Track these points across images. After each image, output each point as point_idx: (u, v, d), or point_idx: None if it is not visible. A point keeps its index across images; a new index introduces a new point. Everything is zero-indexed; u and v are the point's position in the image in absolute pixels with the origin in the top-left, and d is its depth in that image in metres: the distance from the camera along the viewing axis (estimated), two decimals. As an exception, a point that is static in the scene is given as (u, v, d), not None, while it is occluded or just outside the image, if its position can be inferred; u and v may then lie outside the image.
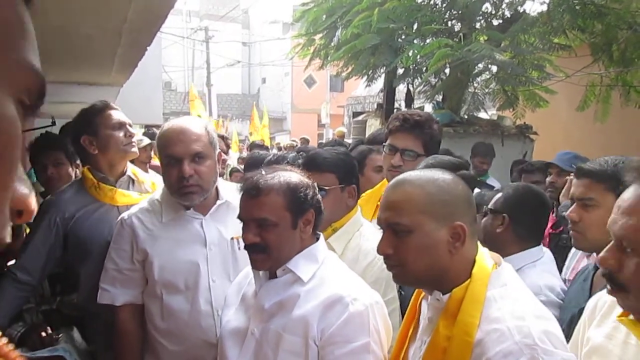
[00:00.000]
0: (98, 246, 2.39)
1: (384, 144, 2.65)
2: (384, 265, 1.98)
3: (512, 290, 1.40)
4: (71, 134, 2.57)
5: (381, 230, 1.45)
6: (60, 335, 2.48)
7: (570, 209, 2.02)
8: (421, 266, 1.38)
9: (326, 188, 2.10)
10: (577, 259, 2.55)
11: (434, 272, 1.38)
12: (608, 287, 1.31)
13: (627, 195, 1.28)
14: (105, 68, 2.96)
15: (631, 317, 1.31)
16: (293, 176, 1.72)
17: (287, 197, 1.66)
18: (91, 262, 2.39)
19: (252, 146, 9.71)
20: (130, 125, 2.60)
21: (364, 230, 2.19)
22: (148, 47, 2.31)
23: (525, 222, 2.25)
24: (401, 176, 1.49)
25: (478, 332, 1.30)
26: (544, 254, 2.29)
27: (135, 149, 2.58)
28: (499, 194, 2.37)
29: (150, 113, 8.40)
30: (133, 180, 2.60)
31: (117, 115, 2.55)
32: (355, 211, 2.24)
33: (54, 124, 5.00)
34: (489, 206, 2.32)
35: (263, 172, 1.72)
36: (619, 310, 1.39)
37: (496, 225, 2.26)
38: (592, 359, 1.50)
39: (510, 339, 1.25)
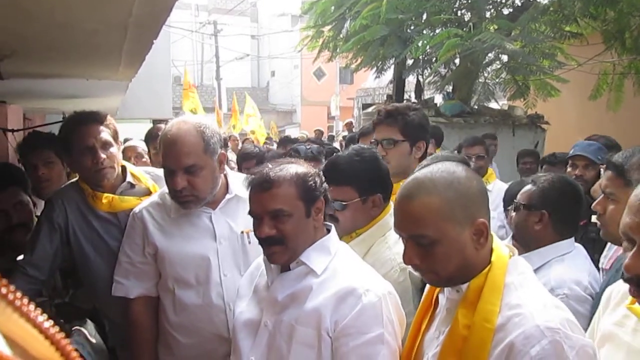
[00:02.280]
0: (101, 251, 2.40)
1: (371, 140, 2.74)
2: (401, 278, 1.97)
3: (531, 280, 1.41)
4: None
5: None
6: (73, 329, 2.50)
7: (597, 200, 1.99)
8: (452, 269, 1.38)
9: (345, 203, 2.05)
10: (614, 249, 2.51)
11: (464, 269, 1.38)
12: (632, 290, 1.28)
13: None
14: (113, 63, 2.96)
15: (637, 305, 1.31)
16: (300, 166, 1.73)
17: (299, 187, 1.66)
18: (94, 264, 2.41)
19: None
20: (105, 145, 2.33)
21: (389, 236, 2.08)
22: (154, 41, 2.31)
23: (565, 217, 2.20)
24: (413, 182, 1.43)
25: (499, 318, 1.31)
26: (575, 247, 2.24)
27: (108, 173, 2.34)
28: (528, 186, 2.30)
29: (159, 108, 8.42)
30: (133, 185, 2.47)
31: (86, 135, 2.30)
32: (384, 214, 2.13)
33: (64, 119, 5.03)
34: (522, 201, 2.26)
35: (270, 166, 1.72)
36: (630, 298, 1.39)
37: (533, 222, 2.22)
38: (605, 346, 1.50)
39: (532, 322, 1.26)
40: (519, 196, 2.33)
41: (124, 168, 2.48)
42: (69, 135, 2.35)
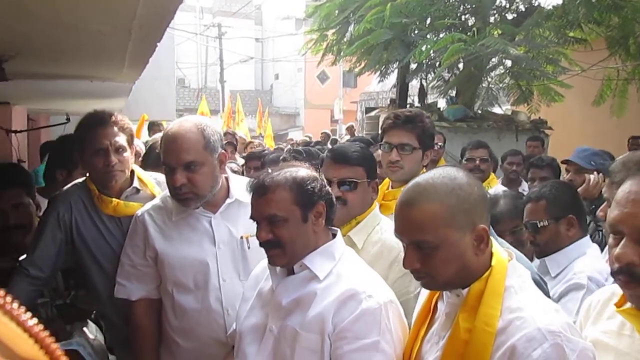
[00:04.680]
0: (104, 253, 2.39)
1: (379, 143, 2.71)
2: None
3: (529, 284, 1.42)
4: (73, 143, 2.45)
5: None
6: (74, 330, 2.51)
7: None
8: (451, 274, 1.38)
9: (357, 181, 2.11)
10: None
11: (462, 275, 1.39)
12: (623, 281, 1.29)
13: (635, 186, 1.28)
14: (117, 64, 2.97)
15: (627, 305, 1.32)
16: (300, 171, 1.73)
17: (294, 192, 1.67)
18: (97, 265, 2.40)
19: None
20: (119, 150, 2.32)
21: (383, 224, 2.17)
22: (158, 43, 2.32)
23: (582, 214, 2.32)
24: (414, 188, 1.43)
25: (500, 322, 1.31)
26: (592, 244, 2.38)
27: (118, 175, 2.34)
28: (531, 205, 2.39)
29: (163, 109, 8.45)
30: (139, 190, 2.45)
31: (101, 137, 2.30)
32: (375, 205, 2.24)
33: (68, 120, 5.05)
34: (541, 219, 2.34)
35: (270, 171, 1.73)
36: (611, 307, 1.41)
37: (565, 230, 2.32)
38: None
39: (533, 325, 1.27)
40: (529, 218, 2.40)
41: (132, 172, 2.47)
42: (85, 134, 2.35)
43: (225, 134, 8.87)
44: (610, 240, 1.32)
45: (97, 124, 2.33)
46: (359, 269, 1.74)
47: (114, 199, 2.40)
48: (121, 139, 2.35)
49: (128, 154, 2.39)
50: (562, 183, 2.49)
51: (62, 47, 2.45)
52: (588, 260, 2.24)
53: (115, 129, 2.34)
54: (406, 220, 1.40)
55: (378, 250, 2.08)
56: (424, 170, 2.50)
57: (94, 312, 2.65)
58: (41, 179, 3.48)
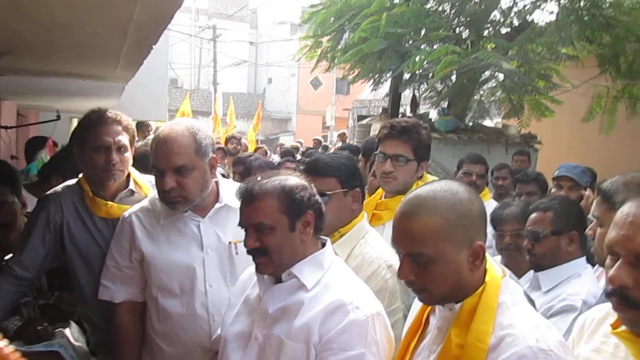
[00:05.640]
0: (93, 255, 2.36)
1: (375, 152, 2.66)
2: (388, 275, 2.00)
3: (522, 300, 1.43)
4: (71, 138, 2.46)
5: (386, 240, 1.44)
6: (56, 331, 2.48)
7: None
8: (446, 289, 1.39)
9: (328, 193, 2.08)
10: (600, 270, 2.59)
11: (457, 290, 1.39)
12: (616, 303, 1.29)
13: (634, 209, 1.27)
14: (111, 65, 2.95)
15: (622, 328, 1.32)
16: (289, 179, 1.72)
17: (282, 200, 1.66)
18: (86, 266, 2.37)
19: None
20: (121, 149, 2.32)
21: (369, 238, 2.16)
22: (154, 46, 2.31)
23: (584, 235, 2.30)
24: (415, 200, 1.42)
25: (492, 339, 1.32)
26: (587, 265, 2.37)
27: (117, 175, 2.34)
28: (537, 214, 2.39)
29: (155, 110, 8.42)
30: (133, 192, 2.44)
31: (105, 134, 2.29)
32: (361, 217, 2.21)
33: (58, 117, 5.01)
34: (544, 229, 2.34)
35: (259, 178, 1.72)
36: (606, 326, 1.40)
37: (565, 245, 2.33)
38: None
39: (524, 343, 1.27)
40: (533, 226, 2.39)
41: (128, 174, 2.46)
42: (88, 130, 2.33)
43: (231, 138, 8.88)
44: (608, 260, 1.32)
45: (101, 121, 2.32)
46: (347, 280, 1.74)
47: (107, 202, 2.37)
48: (124, 139, 2.34)
49: (129, 155, 2.38)
50: (570, 199, 2.50)
51: (56, 46, 2.44)
52: (584, 283, 2.24)
53: (120, 127, 2.34)
54: (404, 232, 1.40)
55: (357, 264, 2.07)
56: (418, 182, 2.50)
57: (77, 314, 2.62)
58: (32, 176, 3.45)
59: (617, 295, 1.27)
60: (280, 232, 1.66)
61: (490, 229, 3.41)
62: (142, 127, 7.55)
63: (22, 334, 2.38)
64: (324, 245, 1.78)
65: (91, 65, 3.09)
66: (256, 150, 8.59)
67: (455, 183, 1.47)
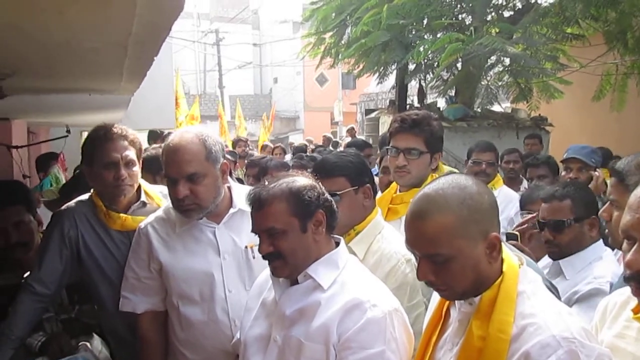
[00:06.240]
0: (112, 268, 2.38)
1: (386, 147, 2.65)
2: (408, 269, 1.99)
3: (541, 288, 1.42)
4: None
5: (404, 233, 1.43)
6: (80, 344, 2.51)
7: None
8: (467, 284, 1.38)
9: (338, 193, 2.07)
10: (619, 255, 2.58)
11: (478, 283, 1.38)
12: (635, 288, 1.27)
13: None
14: (114, 79, 2.97)
15: None
16: (297, 181, 1.72)
17: (291, 203, 1.66)
18: (105, 280, 2.39)
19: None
20: (129, 164, 2.34)
21: (385, 233, 2.15)
22: (155, 58, 2.32)
23: (598, 218, 2.30)
24: (424, 199, 1.40)
25: (513, 328, 1.31)
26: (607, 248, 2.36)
27: (127, 190, 2.35)
28: (555, 203, 2.36)
29: (162, 118, 8.47)
30: (145, 204, 2.45)
31: (112, 150, 2.31)
32: (376, 213, 2.20)
33: (68, 132, 5.05)
34: (566, 218, 2.32)
35: (266, 183, 1.72)
36: (628, 310, 1.39)
37: (588, 231, 2.32)
38: None
39: (548, 332, 1.26)
40: (552, 216, 2.35)
41: (139, 186, 2.47)
42: (95, 148, 2.35)
43: (238, 140, 8.88)
44: (625, 245, 1.30)
45: (108, 138, 2.34)
46: (363, 278, 1.73)
47: (121, 215, 2.39)
48: (131, 153, 2.36)
49: (137, 169, 2.40)
50: (582, 184, 2.48)
51: (58, 64, 2.46)
52: (607, 264, 2.23)
53: (126, 142, 2.36)
54: (418, 234, 1.38)
55: (376, 260, 2.07)
56: (433, 175, 2.48)
57: (99, 326, 2.64)
58: (46, 191, 3.48)
59: (635, 280, 1.25)
60: (292, 235, 1.66)
61: (504, 215, 3.41)
62: (154, 135, 7.46)
63: (47, 349, 2.41)
64: (337, 244, 1.78)
65: (95, 80, 3.11)
66: (273, 151, 8.54)
67: (462, 177, 1.45)
